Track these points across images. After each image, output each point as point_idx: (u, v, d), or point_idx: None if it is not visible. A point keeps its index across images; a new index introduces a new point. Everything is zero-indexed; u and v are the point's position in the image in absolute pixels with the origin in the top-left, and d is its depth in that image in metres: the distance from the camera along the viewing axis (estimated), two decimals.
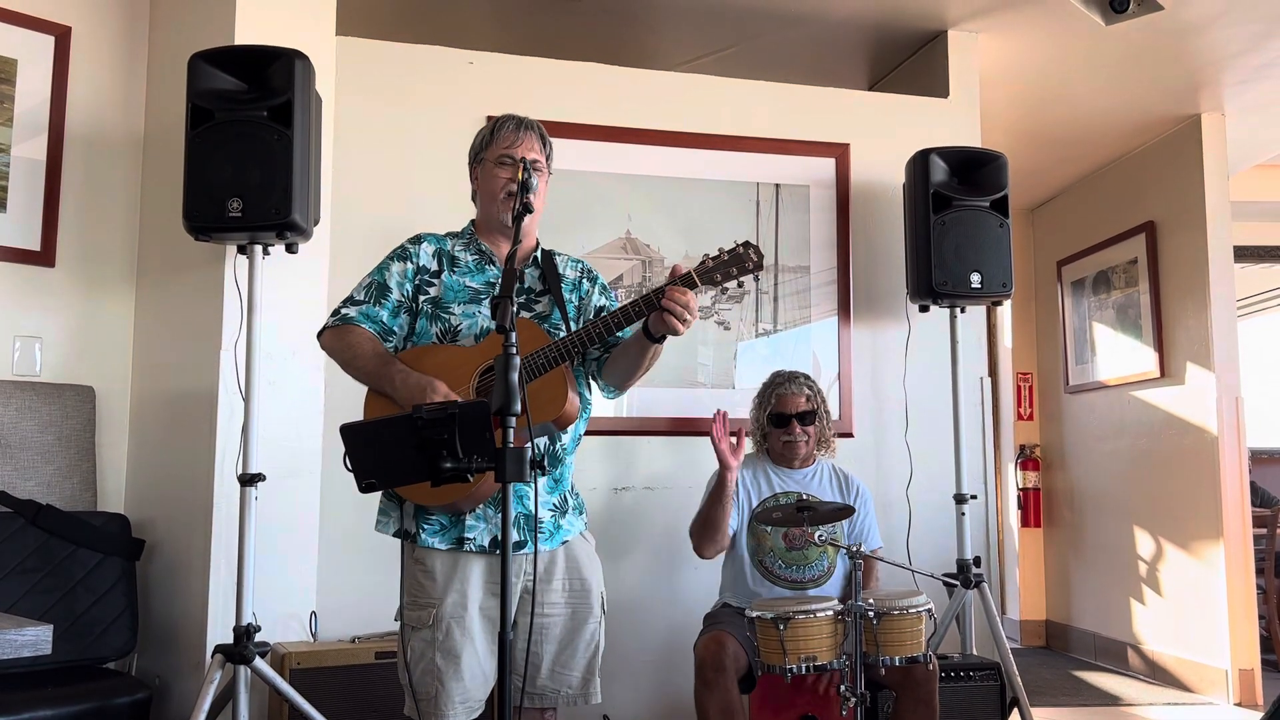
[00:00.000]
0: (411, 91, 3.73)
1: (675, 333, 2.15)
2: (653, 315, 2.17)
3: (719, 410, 3.16)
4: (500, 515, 2.22)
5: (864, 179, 4.13)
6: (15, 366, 3.39)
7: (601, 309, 2.42)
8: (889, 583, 3.51)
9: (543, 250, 2.43)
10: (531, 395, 1.94)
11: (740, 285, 2.26)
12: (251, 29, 3.26)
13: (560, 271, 2.42)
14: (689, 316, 2.14)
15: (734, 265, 2.21)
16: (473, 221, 2.46)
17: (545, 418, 2.18)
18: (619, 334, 2.27)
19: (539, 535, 2.25)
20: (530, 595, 2.23)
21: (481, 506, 2.23)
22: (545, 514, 2.29)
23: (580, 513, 2.41)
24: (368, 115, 3.64)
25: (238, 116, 2.89)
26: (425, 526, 2.24)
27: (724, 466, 3.11)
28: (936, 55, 4.37)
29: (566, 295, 2.39)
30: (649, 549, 3.77)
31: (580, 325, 2.37)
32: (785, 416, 3.30)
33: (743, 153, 4.03)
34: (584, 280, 2.45)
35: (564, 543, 2.33)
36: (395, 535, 2.30)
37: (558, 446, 2.32)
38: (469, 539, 2.23)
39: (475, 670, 2.20)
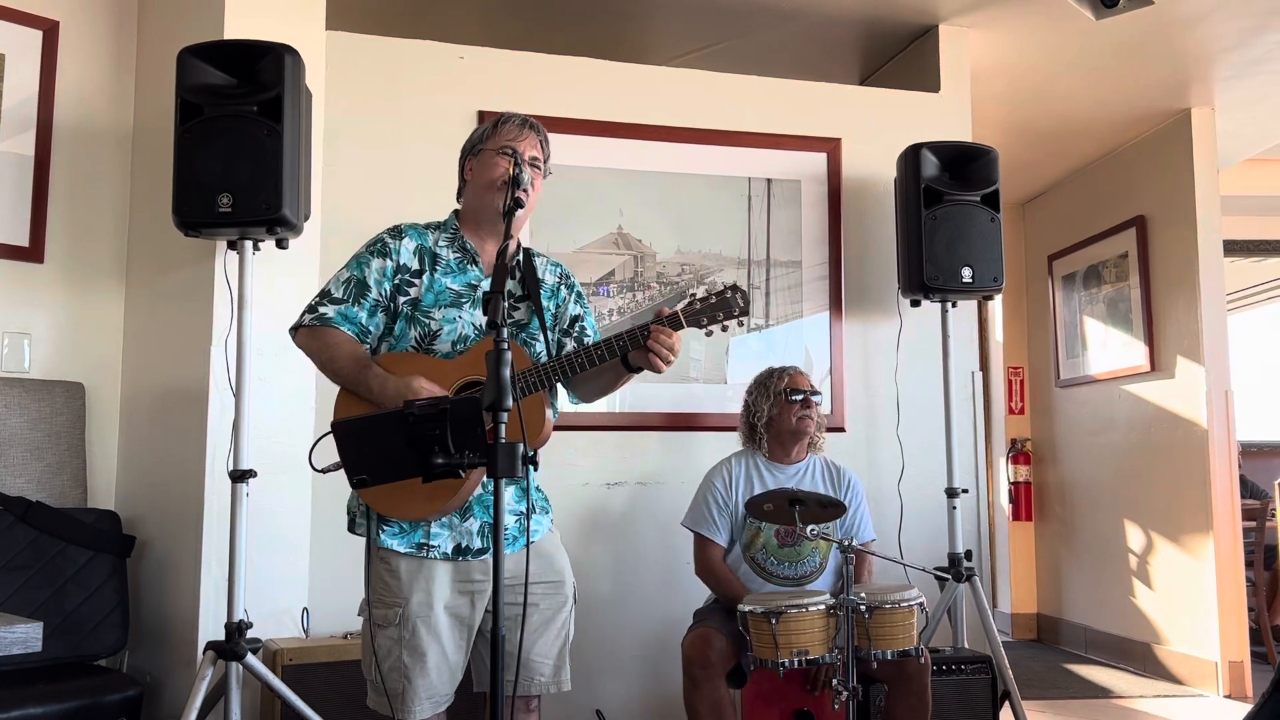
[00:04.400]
0: (402, 86, 3.71)
1: (656, 370, 2.20)
2: (635, 350, 2.20)
3: None
4: (465, 524, 2.23)
5: (855, 173, 4.13)
6: (4, 363, 3.38)
7: (576, 318, 2.41)
8: (881, 576, 3.52)
9: (524, 251, 2.40)
10: (511, 419, 1.92)
11: (724, 329, 2.30)
12: (241, 24, 3.24)
13: (540, 276, 2.38)
14: (671, 357, 2.19)
15: (720, 310, 2.25)
16: (455, 213, 2.40)
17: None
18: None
19: (507, 542, 2.24)
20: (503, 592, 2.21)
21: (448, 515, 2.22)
22: (511, 520, 2.27)
23: (546, 511, 2.40)
24: (358, 110, 3.63)
25: (227, 111, 2.86)
26: (385, 528, 2.22)
27: None
28: (928, 50, 4.38)
29: (544, 302, 2.36)
30: (642, 544, 3.77)
31: (555, 334, 2.37)
32: (800, 391, 3.30)
33: (735, 147, 4.03)
34: (562, 287, 2.43)
35: (531, 543, 2.32)
36: (359, 534, 2.28)
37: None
38: (432, 546, 2.21)
39: (442, 667, 2.20)
